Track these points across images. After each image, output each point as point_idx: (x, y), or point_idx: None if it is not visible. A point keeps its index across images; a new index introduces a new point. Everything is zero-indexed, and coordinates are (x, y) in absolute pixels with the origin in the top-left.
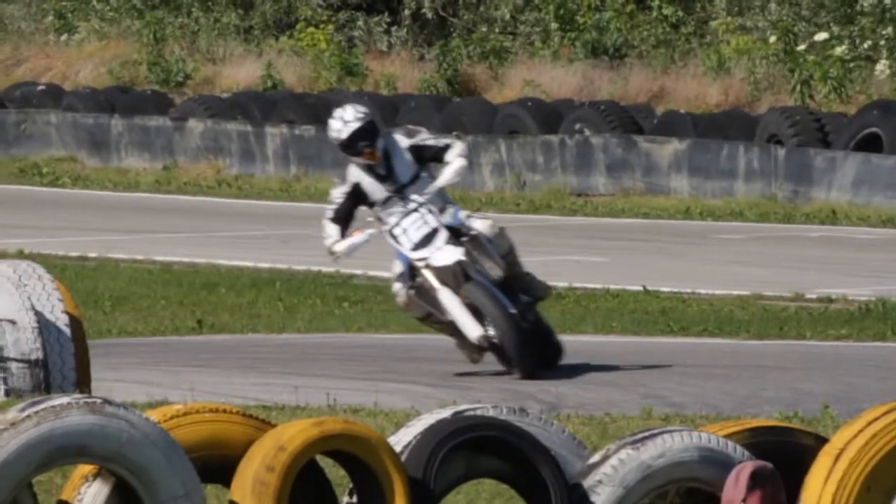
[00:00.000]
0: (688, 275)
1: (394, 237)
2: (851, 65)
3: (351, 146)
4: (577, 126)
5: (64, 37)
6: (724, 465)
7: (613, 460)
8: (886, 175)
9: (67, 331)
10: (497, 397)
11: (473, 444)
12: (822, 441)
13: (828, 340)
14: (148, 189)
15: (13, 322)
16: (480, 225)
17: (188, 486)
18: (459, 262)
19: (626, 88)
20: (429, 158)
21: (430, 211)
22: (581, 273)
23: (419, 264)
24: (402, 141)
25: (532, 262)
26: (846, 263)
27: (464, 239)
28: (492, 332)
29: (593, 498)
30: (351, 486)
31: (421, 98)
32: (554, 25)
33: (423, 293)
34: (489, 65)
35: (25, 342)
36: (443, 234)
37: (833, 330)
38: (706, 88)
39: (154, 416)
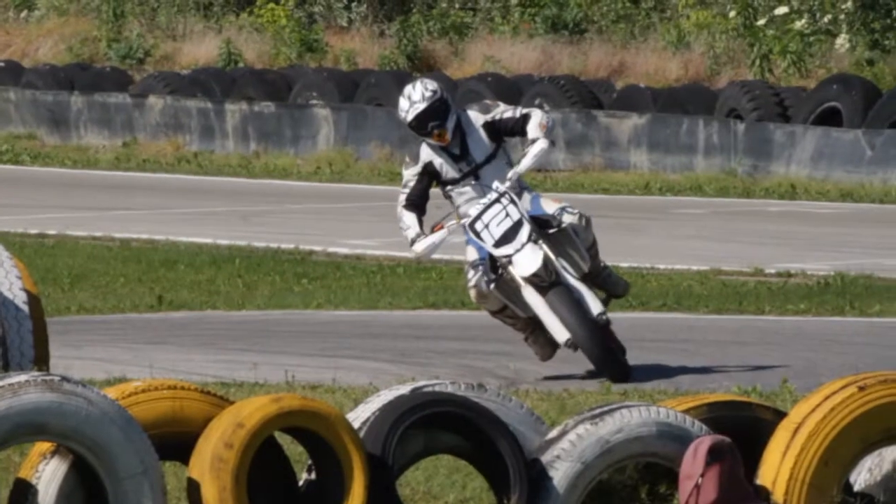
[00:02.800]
0: (647, 250)
1: (476, 232)
2: (811, 39)
3: (420, 127)
4: (537, 101)
5: (23, 13)
6: (683, 439)
7: (571, 435)
8: (845, 149)
9: (26, 308)
10: (455, 373)
11: (432, 421)
12: (781, 415)
13: (787, 315)
14: (107, 166)
15: None
16: (569, 217)
17: (146, 463)
18: (545, 265)
19: (586, 63)
20: (507, 133)
21: (513, 201)
22: None
23: (504, 261)
24: (477, 118)
25: None
26: (805, 238)
27: (552, 231)
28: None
29: (551, 473)
30: (309, 462)
31: (381, 74)
32: (514, 1)
33: (505, 287)
34: (449, 40)
35: None
36: (526, 228)
37: (792, 305)
38: (666, 63)
39: (112, 393)
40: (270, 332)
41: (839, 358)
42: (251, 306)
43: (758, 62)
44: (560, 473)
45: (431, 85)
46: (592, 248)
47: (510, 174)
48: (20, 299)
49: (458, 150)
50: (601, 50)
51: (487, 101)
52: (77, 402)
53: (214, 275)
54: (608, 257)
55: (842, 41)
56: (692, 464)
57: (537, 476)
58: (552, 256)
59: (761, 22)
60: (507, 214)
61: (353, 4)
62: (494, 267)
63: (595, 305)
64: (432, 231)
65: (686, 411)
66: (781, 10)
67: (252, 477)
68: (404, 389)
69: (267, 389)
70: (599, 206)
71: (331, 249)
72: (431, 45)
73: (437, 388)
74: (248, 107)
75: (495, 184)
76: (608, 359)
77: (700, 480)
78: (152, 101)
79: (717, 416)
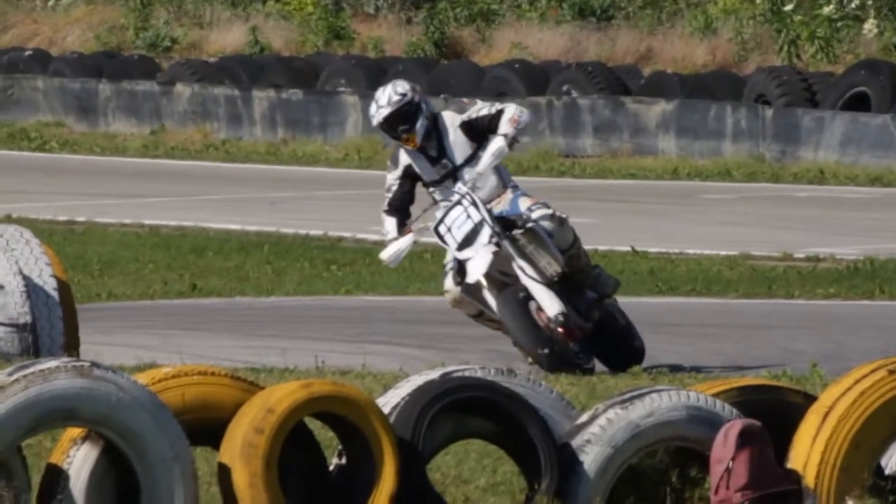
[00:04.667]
0: (676, 235)
1: (440, 236)
2: (839, 24)
3: (391, 131)
4: (565, 88)
5: (51, 2)
6: (713, 423)
7: (602, 420)
8: (874, 134)
9: (56, 295)
10: (485, 358)
11: (462, 406)
12: (811, 399)
13: (816, 299)
14: (136, 154)
15: (1, 286)
16: (539, 216)
17: (177, 448)
18: (491, 270)
19: (614, 50)
20: (485, 130)
21: (474, 203)
22: None
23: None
24: (454, 119)
25: None
26: (834, 223)
27: (518, 232)
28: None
29: (582, 458)
30: (340, 447)
31: (408, 61)
32: None
33: (473, 291)
34: (476, 27)
35: (13, 306)
36: (486, 231)
37: (821, 289)
38: (693, 49)
39: (143, 379)
40: (300, 317)
41: (869, 342)
42: (280, 292)
43: (786, 48)
44: (590, 458)
45: (401, 88)
46: (572, 248)
47: (471, 174)
48: (50, 286)
49: (434, 152)
50: (628, 36)
51: (464, 100)
52: (107, 387)
53: (243, 261)
54: (638, 243)
55: (870, 26)
56: (723, 448)
57: (567, 460)
58: (514, 256)
59: (789, 7)
60: (469, 216)
61: None
62: (463, 271)
63: (553, 307)
64: (402, 235)
65: (716, 395)
66: None
67: (283, 462)
68: (434, 375)
69: (297, 375)
70: (628, 191)
71: (360, 236)
72: (458, 32)
73: (466, 374)
74: (275, 94)
75: (458, 185)
76: (553, 361)
77: (731, 464)
78: (180, 89)
79: (747, 399)
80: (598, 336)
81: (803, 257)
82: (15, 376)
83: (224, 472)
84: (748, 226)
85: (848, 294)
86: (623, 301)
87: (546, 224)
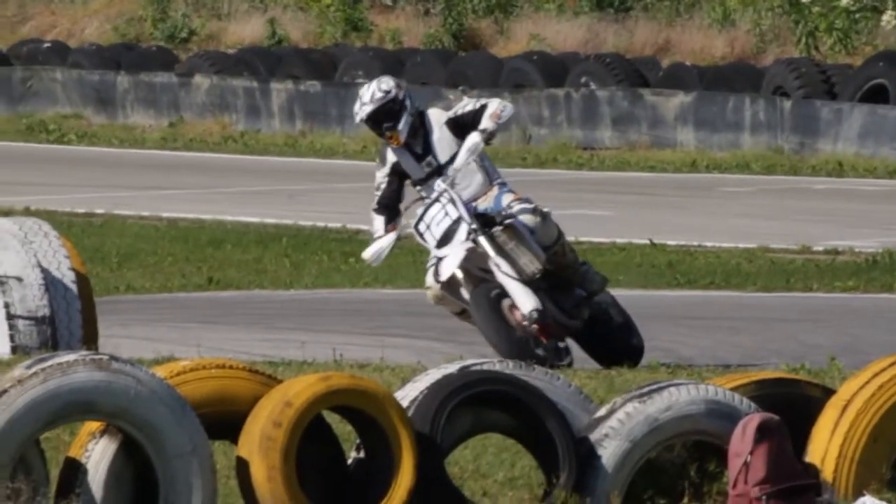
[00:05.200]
0: (694, 228)
1: (419, 234)
2: (857, 16)
3: (375, 128)
4: (583, 80)
5: None
6: (731, 417)
7: (620, 414)
8: (893, 126)
9: (74, 287)
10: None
11: (480, 399)
12: (829, 393)
13: (835, 292)
14: (154, 146)
15: (20, 279)
16: (520, 211)
17: (195, 441)
18: (471, 268)
19: (632, 41)
20: (471, 127)
21: (451, 200)
22: (587, 227)
23: None
24: (440, 116)
25: None
26: (853, 215)
27: (497, 229)
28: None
29: (600, 451)
30: (358, 441)
31: (426, 53)
32: None
33: (452, 288)
34: (494, 19)
35: (32, 299)
36: (464, 228)
37: (840, 282)
38: (711, 41)
39: (161, 372)
40: (318, 310)
41: (888, 335)
42: (299, 285)
43: (804, 39)
44: (609, 452)
45: (385, 85)
46: (556, 244)
47: (449, 171)
48: (68, 279)
49: (420, 149)
50: (646, 28)
51: (451, 97)
52: (126, 381)
53: (262, 254)
54: (656, 236)
55: (888, 18)
56: (741, 441)
57: (586, 454)
58: (490, 253)
59: None
60: (447, 213)
61: None
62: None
63: (527, 304)
64: (387, 233)
65: (734, 389)
66: None
67: (301, 455)
68: (452, 368)
69: (315, 368)
70: (646, 184)
71: None
72: (476, 24)
73: (485, 367)
74: (293, 86)
75: (437, 182)
76: (512, 353)
77: (749, 458)
78: (198, 81)
79: (766, 393)
80: (590, 334)
81: (822, 250)
82: (34, 369)
83: (242, 466)
84: (767, 218)
85: (867, 287)
86: (641, 294)
87: (527, 220)
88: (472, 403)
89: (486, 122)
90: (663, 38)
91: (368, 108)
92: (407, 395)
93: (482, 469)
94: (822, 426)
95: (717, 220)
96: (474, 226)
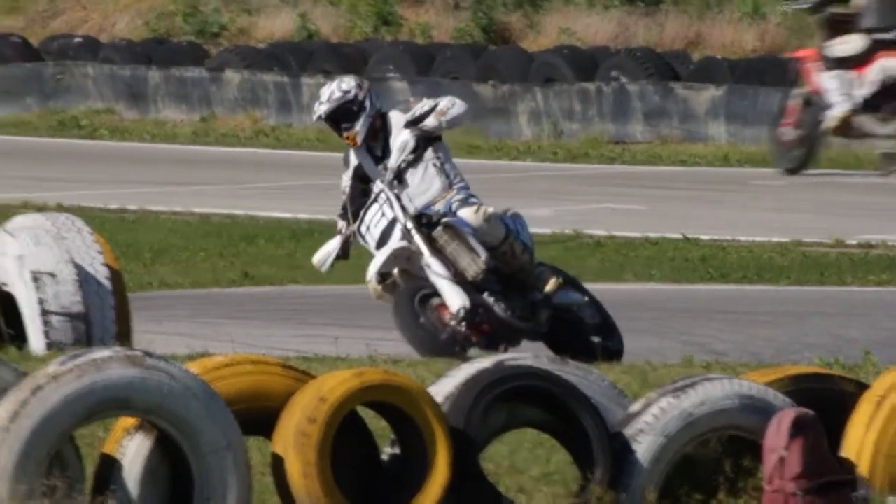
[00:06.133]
0: (727, 222)
1: (361, 236)
2: None
3: (334, 128)
4: (614, 73)
5: None
6: (766, 412)
7: (654, 409)
8: None
9: (108, 283)
10: (535, 346)
11: (514, 394)
12: (864, 387)
13: (868, 286)
14: (186, 141)
15: (53, 275)
16: (462, 212)
17: (230, 437)
18: (412, 268)
19: (662, 35)
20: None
21: (388, 200)
22: (620, 221)
23: None
24: (399, 119)
25: (571, 211)
26: (886, 209)
27: (438, 230)
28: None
29: (634, 447)
30: (392, 437)
31: (456, 47)
32: None
33: (390, 288)
34: (524, 13)
35: (66, 295)
36: (399, 228)
37: (874, 276)
38: (742, 34)
39: (195, 368)
40: (352, 305)
41: None
42: (332, 280)
43: None
44: (643, 447)
45: (346, 85)
46: (504, 245)
47: (387, 171)
48: (102, 275)
49: (380, 151)
50: (677, 21)
51: (411, 99)
52: (160, 377)
53: (294, 249)
54: (689, 230)
55: None
56: (776, 436)
57: (621, 449)
58: (424, 253)
59: None
60: (383, 214)
61: None
62: None
63: (455, 302)
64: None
65: (769, 384)
66: None
67: (335, 451)
68: (487, 363)
69: (349, 364)
70: (678, 178)
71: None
72: (506, 18)
73: (519, 362)
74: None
75: (377, 183)
76: (423, 347)
77: (784, 453)
78: (229, 76)
79: (800, 388)
80: (556, 336)
81: (855, 244)
82: (68, 365)
83: (277, 462)
84: (799, 212)
85: None
86: (675, 288)
87: (469, 218)
88: (506, 399)
89: (428, 120)
90: (694, 31)
91: (325, 108)
92: (441, 390)
93: (517, 464)
94: (857, 421)
95: (749, 214)
96: (409, 225)
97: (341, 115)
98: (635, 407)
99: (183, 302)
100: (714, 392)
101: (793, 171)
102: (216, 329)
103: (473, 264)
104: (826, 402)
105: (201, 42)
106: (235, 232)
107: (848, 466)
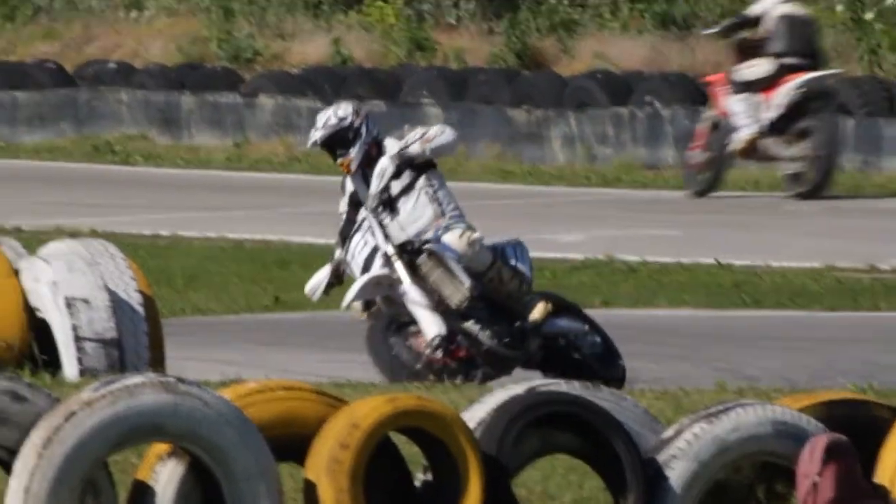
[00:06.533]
0: (760, 247)
1: (346, 264)
2: None
3: (330, 154)
4: (647, 98)
5: (133, 14)
6: (799, 438)
7: (687, 434)
8: None
9: (141, 309)
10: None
11: (547, 420)
12: None
13: None
14: (219, 166)
15: (87, 301)
16: (448, 238)
17: (262, 464)
18: (395, 295)
19: (695, 60)
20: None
21: (370, 227)
22: (653, 246)
23: None
24: (392, 147)
25: (603, 236)
26: None
27: (422, 258)
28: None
29: (667, 472)
30: (425, 462)
31: (490, 72)
32: None
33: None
34: (558, 37)
35: (99, 321)
36: (379, 256)
37: None
38: None
39: (228, 394)
40: None
41: None
42: None
43: (866, 57)
44: (676, 473)
45: (342, 112)
46: (490, 271)
47: (369, 198)
48: (135, 301)
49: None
50: (709, 46)
51: (406, 127)
52: (193, 403)
53: None
54: (722, 255)
55: None
56: (809, 462)
57: (653, 475)
58: (404, 280)
59: (869, 15)
60: (366, 242)
61: (462, 2)
62: None
63: (430, 330)
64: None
65: (802, 409)
66: (891, 0)
67: (368, 477)
68: (519, 389)
69: (381, 390)
70: (711, 203)
71: None
72: (540, 43)
73: (552, 388)
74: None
75: (361, 210)
76: (385, 372)
77: (817, 479)
78: (263, 101)
79: (834, 414)
80: (550, 365)
81: (889, 269)
82: (101, 391)
83: (310, 488)
84: (833, 237)
85: None
86: (708, 314)
87: (453, 244)
88: (539, 424)
89: (412, 146)
90: (726, 56)
91: (319, 134)
92: (474, 416)
93: (550, 490)
94: (891, 447)
95: (782, 240)
96: (389, 252)
97: (336, 142)
98: (668, 433)
99: (216, 328)
100: (747, 418)
101: (701, 193)
102: (249, 355)
103: (457, 292)
104: (860, 427)
105: (235, 67)
106: (268, 257)
107: (882, 492)
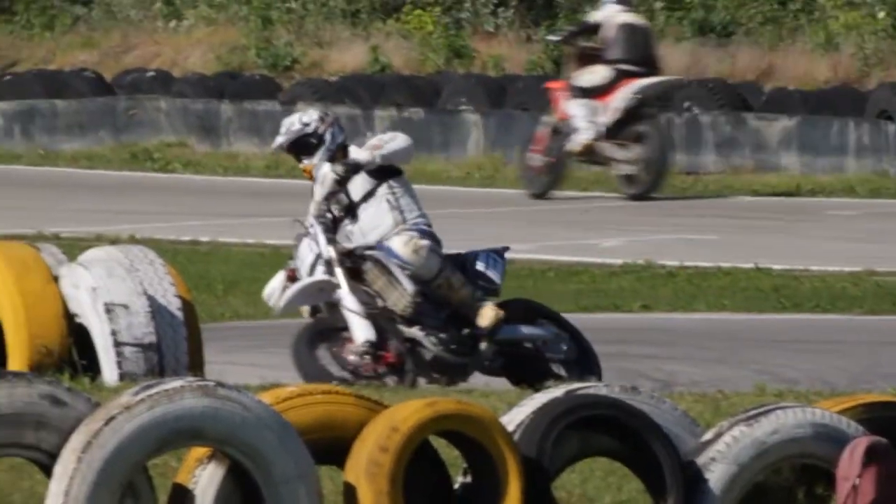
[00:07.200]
0: (800, 252)
1: (295, 270)
2: None
3: (295, 158)
4: (686, 104)
5: (172, 23)
6: (839, 441)
7: (727, 437)
8: None
9: (180, 315)
10: (609, 376)
11: (586, 423)
12: None
13: None
14: (258, 174)
15: (126, 307)
16: (394, 243)
17: (302, 467)
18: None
19: (734, 66)
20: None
21: (314, 234)
22: (692, 251)
23: None
24: (358, 154)
25: (643, 241)
26: None
27: (368, 265)
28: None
29: (707, 475)
30: (464, 466)
31: (529, 79)
32: (659, 4)
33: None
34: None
35: (138, 326)
36: (320, 263)
37: None
38: (815, 65)
39: (267, 398)
40: None
41: None
42: None
43: None
44: (715, 475)
45: (307, 118)
46: (439, 278)
47: (311, 204)
48: (174, 306)
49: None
50: (749, 52)
51: (368, 134)
52: (232, 407)
53: None
54: (761, 260)
55: None
56: (849, 465)
57: (693, 478)
58: (343, 286)
59: None
60: (311, 249)
61: (500, 10)
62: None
63: (360, 336)
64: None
65: (841, 412)
66: None
67: (407, 480)
68: (558, 392)
69: (421, 393)
70: (750, 208)
71: None
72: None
73: (591, 391)
74: (397, 113)
75: (307, 217)
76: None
77: (857, 482)
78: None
79: (873, 416)
80: (518, 371)
81: None
82: (140, 396)
83: (349, 491)
84: (872, 242)
85: None
86: (747, 318)
87: (399, 251)
88: (578, 427)
89: (360, 153)
90: (766, 62)
91: (281, 139)
92: (513, 419)
93: (589, 493)
94: None
95: (822, 244)
96: (331, 257)
97: (300, 148)
98: (707, 436)
99: (255, 333)
100: (787, 420)
101: (539, 195)
102: (287, 359)
103: (402, 298)
104: None
105: (273, 76)
106: None
107: None
